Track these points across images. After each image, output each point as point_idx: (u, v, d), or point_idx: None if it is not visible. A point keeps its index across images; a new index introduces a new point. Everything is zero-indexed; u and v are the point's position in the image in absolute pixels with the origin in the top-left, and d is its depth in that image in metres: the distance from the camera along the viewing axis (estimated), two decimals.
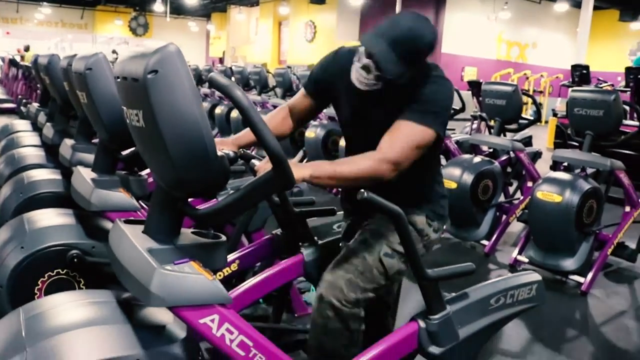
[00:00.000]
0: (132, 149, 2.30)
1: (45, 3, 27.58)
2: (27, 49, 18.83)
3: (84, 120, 2.92)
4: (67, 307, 1.42)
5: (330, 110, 7.32)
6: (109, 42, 28.30)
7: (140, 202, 2.34)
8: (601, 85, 8.94)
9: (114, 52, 21.36)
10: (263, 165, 1.56)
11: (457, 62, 17.57)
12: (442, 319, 1.56)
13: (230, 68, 10.27)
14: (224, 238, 1.50)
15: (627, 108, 6.81)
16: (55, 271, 2.04)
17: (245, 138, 1.86)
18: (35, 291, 2.04)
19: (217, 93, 8.74)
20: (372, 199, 1.38)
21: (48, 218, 2.22)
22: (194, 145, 1.22)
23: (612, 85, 9.66)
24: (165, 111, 1.19)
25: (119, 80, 1.35)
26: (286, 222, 2.20)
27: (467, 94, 8.82)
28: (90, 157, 2.81)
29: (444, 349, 1.57)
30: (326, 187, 1.63)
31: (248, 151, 1.91)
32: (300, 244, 2.12)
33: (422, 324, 1.57)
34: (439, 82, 1.72)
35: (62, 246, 2.06)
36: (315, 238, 2.12)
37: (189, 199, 1.44)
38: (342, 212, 2.18)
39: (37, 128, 4.47)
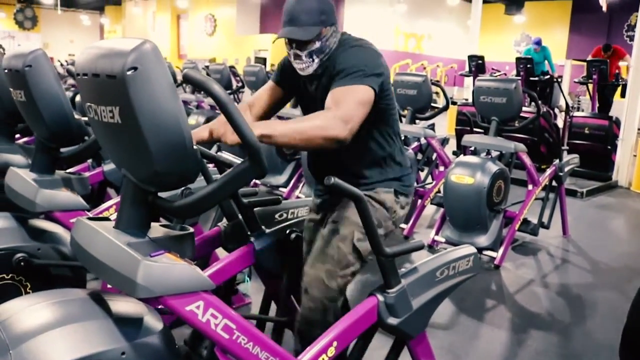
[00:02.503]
0: (73, 147, 2.26)
1: None
2: None
3: (5, 120, 2.80)
4: (42, 307, 1.40)
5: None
6: None
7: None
8: (495, 75, 9.57)
9: (0, 46, 19.92)
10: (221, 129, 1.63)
11: None
12: (399, 292, 1.70)
13: None
14: (191, 230, 1.55)
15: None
16: (0, 276, 1.98)
17: (198, 135, 1.89)
18: None
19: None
20: (338, 184, 1.48)
21: None
22: (173, 139, 1.26)
23: (505, 74, 10.38)
24: (145, 106, 1.22)
25: (85, 77, 1.36)
26: (233, 213, 2.26)
27: None
28: (16, 158, 2.72)
29: (401, 319, 1.71)
30: (279, 147, 1.70)
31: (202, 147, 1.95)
32: (249, 233, 2.19)
33: (380, 297, 1.70)
34: (358, 47, 1.86)
35: (5, 250, 1.99)
36: (263, 227, 2.19)
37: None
38: (286, 201, 2.27)
39: None
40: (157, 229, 1.49)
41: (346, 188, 1.51)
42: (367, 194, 1.83)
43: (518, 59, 9.02)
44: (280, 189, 5.72)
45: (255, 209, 2.24)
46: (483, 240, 4.13)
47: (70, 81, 11.48)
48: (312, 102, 1.96)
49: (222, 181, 1.36)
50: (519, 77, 8.79)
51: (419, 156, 5.31)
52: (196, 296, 1.33)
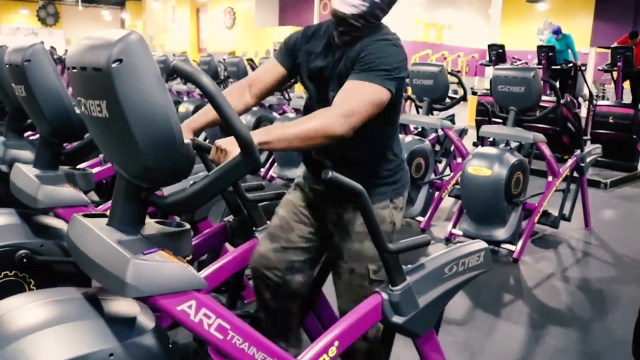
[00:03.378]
0: (76, 142, 2.24)
1: None
2: None
3: (14, 116, 2.79)
4: (31, 307, 1.38)
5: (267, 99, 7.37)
6: (15, 33, 26.74)
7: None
8: (516, 64, 9.38)
9: None
10: (216, 154, 1.55)
11: None
12: (404, 289, 1.63)
13: None
14: (188, 226, 1.51)
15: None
16: (3, 273, 1.97)
17: (199, 121, 1.85)
18: None
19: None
20: (337, 179, 1.41)
21: None
22: (162, 133, 1.22)
23: (526, 63, 10.18)
24: (132, 100, 1.18)
25: (74, 70, 1.32)
26: (238, 209, 2.22)
27: None
28: (24, 154, 2.71)
29: (406, 318, 1.64)
30: (282, 150, 1.63)
31: (200, 140, 1.91)
32: (254, 229, 2.15)
33: (385, 295, 1.64)
34: (390, 42, 1.75)
35: (8, 247, 1.98)
36: (268, 222, 2.15)
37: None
38: None
39: None
40: (151, 226, 1.45)
41: (346, 182, 1.45)
42: None
43: (539, 47, 8.83)
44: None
45: (262, 204, 2.20)
46: (501, 233, 4.04)
47: None
48: (323, 81, 1.85)
49: (213, 176, 1.31)
50: (541, 66, 8.61)
51: (437, 147, 5.22)
52: (188, 295, 1.29)
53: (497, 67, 4.55)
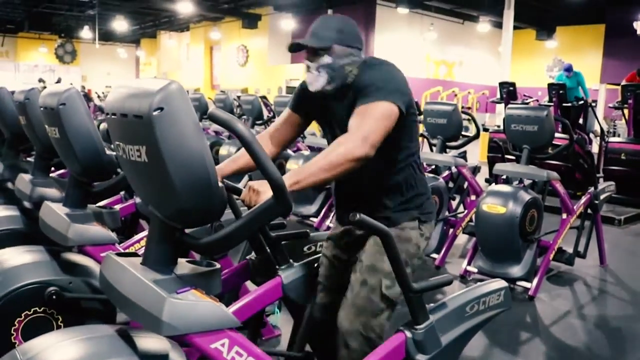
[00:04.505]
0: (105, 182, 2.31)
1: None
2: None
3: (42, 155, 2.89)
4: (65, 345, 1.41)
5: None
6: (33, 70, 27.30)
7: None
8: (527, 101, 9.47)
9: (40, 80, 20.64)
10: (248, 194, 1.61)
11: None
12: (427, 328, 1.67)
13: None
14: (218, 265, 1.56)
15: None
16: (32, 310, 2.02)
17: (230, 167, 1.94)
18: (12, 332, 2.00)
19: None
20: (364, 220, 1.47)
21: (18, 256, 2.18)
22: (199, 177, 1.28)
23: (537, 100, 10.27)
24: (171, 145, 1.25)
25: (114, 117, 1.39)
26: (261, 247, 2.26)
27: None
28: (51, 192, 2.78)
29: (429, 356, 1.67)
30: (313, 186, 1.71)
31: (229, 182, 1.98)
32: (277, 267, 2.18)
33: (408, 334, 1.67)
34: (384, 67, 1.89)
35: (38, 284, 2.03)
36: (291, 260, 2.19)
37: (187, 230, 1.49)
38: (314, 234, 2.27)
39: None
40: (183, 265, 1.50)
41: (372, 224, 1.51)
42: (394, 231, 1.81)
43: (550, 85, 8.93)
44: (311, 218, 5.72)
45: (283, 242, 2.25)
46: (516, 270, 4.05)
47: None
48: (337, 123, 1.96)
49: (247, 218, 1.37)
50: (552, 104, 8.69)
51: (450, 184, 5.27)
52: (221, 334, 1.33)
53: (510, 106, 4.62)
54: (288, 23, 18.46)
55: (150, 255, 1.45)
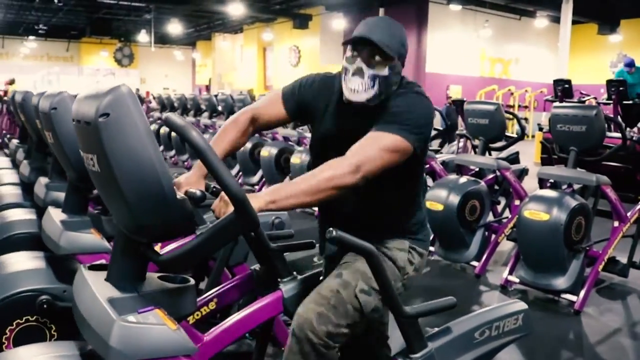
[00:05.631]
0: None
1: (30, 37, 27.63)
2: (11, 82, 18.72)
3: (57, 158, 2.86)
4: None
5: (284, 131, 7.26)
6: (96, 73, 28.32)
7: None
8: (584, 99, 8.99)
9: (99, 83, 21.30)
10: (218, 204, 1.46)
11: (442, 80, 17.69)
12: (424, 357, 1.49)
13: (216, 96, 10.37)
14: (192, 282, 1.44)
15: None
16: (24, 318, 1.96)
17: (195, 176, 1.78)
18: (4, 340, 1.95)
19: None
20: (342, 238, 1.31)
21: (18, 262, 2.15)
22: (151, 190, 1.16)
23: (595, 98, 9.74)
24: (119, 155, 1.13)
25: (75, 123, 1.29)
26: (264, 257, 2.13)
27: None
28: (63, 196, 2.75)
29: None
30: (291, 209, 1.54)
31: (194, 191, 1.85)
32: (279, 279, 2.05)
33: None
34: (417, 97, 1.69)
35: (31, 292, 1.98)
36: (295, 273, 2.05)
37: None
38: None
39: (16, 165, 4.40)
40: (151, 282, 1.39)
41: (353, 242, 1.34)
42: (378, 247, 1.63)
43: (609, 82, 8.42)
44: None
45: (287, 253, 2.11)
46: (561, 282, 3.75)
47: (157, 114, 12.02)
48: (346, 138, 1.70)
49: (206, 235, 1.23)
50: (611, 101, 8.20)
51: (496, 187, 4.99)
52: None
53: (555, 105, 4.31)
54: (339, 22, 18.35)
55: (114, 271, 1.35)
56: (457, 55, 18.10)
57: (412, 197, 1.80)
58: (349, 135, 1.68)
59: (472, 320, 1.61)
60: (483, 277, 4.41)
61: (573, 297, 3.76)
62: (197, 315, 2.12)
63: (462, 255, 4.45)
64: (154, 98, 20.50)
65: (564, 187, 4.35)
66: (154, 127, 11.42)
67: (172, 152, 10.24)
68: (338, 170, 1.47)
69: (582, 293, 3.75)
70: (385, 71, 1.65)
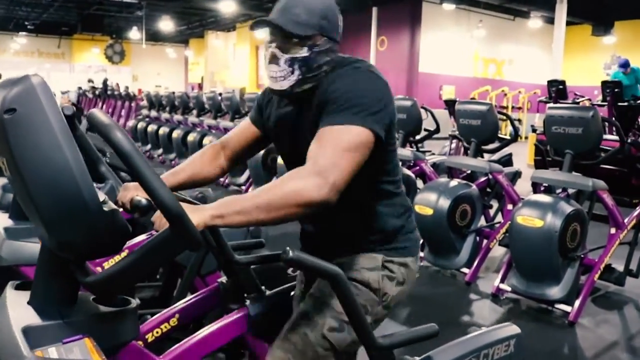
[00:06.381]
0: None
1: (21, 33, 27.31)
2: None
3: None
4: None
5: None
6: (87, 70, 28.02)
7: None
8: (579, 100, 8.84)
9: (90, 81, 21.06)
10: (158, 216, 1.22)
11: (435, 80, 17.55)
12: None
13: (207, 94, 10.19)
14: (133, 304, 1.24)
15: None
16: None
17: (168, 180, 1.57)
18: None
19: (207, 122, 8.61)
20: (299, 259, 1.10)
21: None
22: (68, 200, 0.96)
23: (590, 99, 9.59)
24: (28, 159, 0.93)
25: None
26: (229, 270, 1.93)
27: (444, 113, 8.68)
28: None
29: None
30: (243, 226, 1.32)
31: (182, 193, 1.65)
32: (245, 295, 1.85)
33: None
34: (357, 72, 1.43)
35: None
36: (263, 288, 1.85)
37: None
38: None
39: None
40: (85, 305, 1.19)
41: (312, 264, 1.13)
42: (347, 274, 1.41)
43: (604, 83, 8.29)
44: None
45: (255, 266, 1.91)
46: (555, 291, 3.57)
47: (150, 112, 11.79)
48: (291, 136, 1.55)
49: (136, 255, 1.03)
50: (606, 103, 8.06)
51: (488, 190, 4.81)
52: None
53: (550, 106, 4.13)
54: None
55: (37, 293, 1.15)
56: (450, 55, 17.96)
57: (381, 196, 1.54)
58: (294, 134, 1.52)
59: (458, 347, 1.41)
60: (474, 284, 4.23)
61: (567, 308, 3.58)
62: (157, 332, 1.93)
63: (452, 262, 4.27)
64: (146, 96, 20.30)
65: (558, 191, 4.18)
66: (141, 125, 11.21)
67: (160, 151, 10.02)
68: (304, 183, 1.23)
69: (577, 303, 3.57)
70: (303, 51, 1.43)
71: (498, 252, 4.82)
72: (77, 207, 0.96)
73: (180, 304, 1.99)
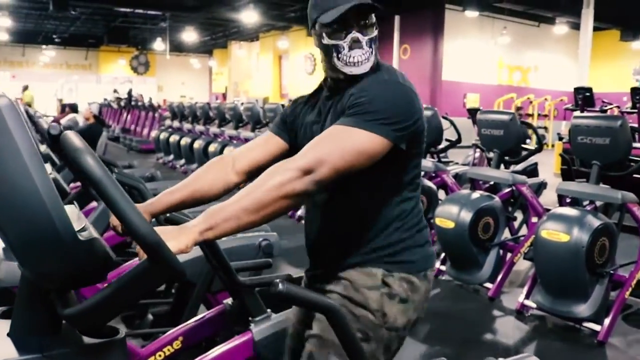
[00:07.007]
0: None
1: (49, 45, 27.88)
2: (25, 88, 18.93)
3: None
4: None
5: None
6: (114, 81, 28.44)
7: None
8: (606, 108, 8.61)
9: (115, 91, 21.36)
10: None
11: (459, 89, 17.33)
12: None
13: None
14: (121, 334, 1.16)
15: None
16: None
17: (162, 202, 1.48)
18: None
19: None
20: (290, 294, 1.00)
21: None
22: (38, 229, 0.89)
23: (618, 106, 9.34)
24: None
25: None
26: (234, 291, 1.85)
27: (467, 122, 8.52)
28: None
29: None
30: (236, 232, 1.25)
31: (177, 214, 1.57)
32: (250, 318, 1.77)
33: None
34: (393, 81, 1.40)
35: None
36: (269, 311, 1.77)
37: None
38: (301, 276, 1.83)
39: None
40: (67, 336, 1.11)
41: (304, 298, 1.03)
42: (346, 294, 1.32)
43: (634, 90, 8.04)
44: None
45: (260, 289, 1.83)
46: (582, 309, 3.41)
47: (170, 122, 11.86)
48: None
49: (115, 286, 0.95)
50: (636, 110, 7.82)
51: (512, 202, 4.66)
52: None
53: (576, 115, 3.98)
54: None
55: (17, 324, 1.08)
56: (474, 63, 17.73)
57: (393, 205, 1.45)
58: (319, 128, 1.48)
59: None
60: (497, 300, 4.08)
61: (596, 326, 3.41)
62: (160, 355, 1.86)
63: (475, 276, 4.13)
64: (169, 106, 20.50)
65: (585, 203, 4.02)
66: (163, 135, 11.27)
67: (182, 161, 10.04)
68: (285, 175, 1.20)
69: (606, 321, 3.40)
70: (376, 31, 1.44)
71: (523, 265, 4.67)
72: (48, 237, 0.89)
73: (185, 326, 1.92)
